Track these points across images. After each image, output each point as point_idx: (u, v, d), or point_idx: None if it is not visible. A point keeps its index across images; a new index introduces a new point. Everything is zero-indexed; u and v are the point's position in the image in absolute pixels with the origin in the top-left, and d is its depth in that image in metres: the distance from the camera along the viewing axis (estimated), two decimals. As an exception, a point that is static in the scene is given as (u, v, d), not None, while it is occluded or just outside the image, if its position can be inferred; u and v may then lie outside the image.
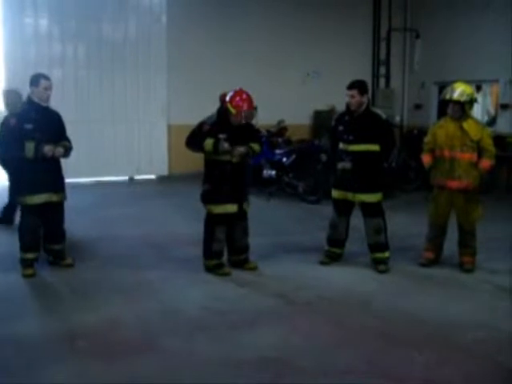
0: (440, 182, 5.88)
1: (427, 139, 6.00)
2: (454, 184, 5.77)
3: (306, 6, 12.42)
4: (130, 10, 11.53)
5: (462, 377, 3.81)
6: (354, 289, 5.40)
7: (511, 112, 11.06)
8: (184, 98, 11.65)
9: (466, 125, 5.68)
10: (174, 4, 11.60)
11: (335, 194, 5.95)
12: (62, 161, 5.84)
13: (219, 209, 5.61)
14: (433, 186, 6.01)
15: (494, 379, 3.87)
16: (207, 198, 5.67)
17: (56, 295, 5.24)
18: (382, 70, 13.60)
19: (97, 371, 3.81)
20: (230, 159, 5.54)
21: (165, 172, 12.02)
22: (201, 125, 5.59)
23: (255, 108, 7.41)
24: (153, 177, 12.04)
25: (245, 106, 5.52)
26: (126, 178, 11.80)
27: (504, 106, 11.21)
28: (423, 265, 6.00)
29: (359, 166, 5.71)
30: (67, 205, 5.95)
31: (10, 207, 7.39)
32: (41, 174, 5.51)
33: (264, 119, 9.78)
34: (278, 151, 9.88)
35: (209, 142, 5.46)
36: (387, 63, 13.54)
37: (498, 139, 8.80)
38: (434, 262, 6.03)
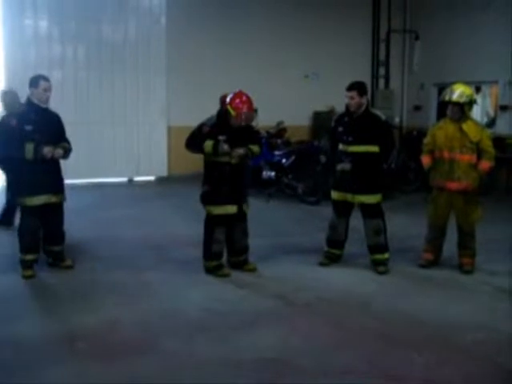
0: (439, 183, 5.88)
1: (426, 140, 6.00)
2: (453, 185, 5.77)
3: (305, 6, 12.43)
4: (130, 11, 11.55)
5: (462, 378, 3.81)
6: (353, 290, 5.40)
7: (511, 113, 11.07)
8: (183, 99, 11.66)
9: (465, 126, 5.68)
10: (173, 5, 11.61)
11: (335, 195, 5.95)
12: (62, 162, 5.84)
13: (219, 210, 5.61)
14: (432, 187, 6.01)
15: (493, 380, 3.87)
16: (207, 199, 5.67)
17: (55, 296, 5.23)
18: (382, 71, 13.62)
19: (96, 372, 3.81)
20: (229, 161, 5.55)
21: (164, 173, 12.02)
22: (200, 126, 5.60)
23: (255, 110, 7.42)
24: (152, 178, 12.04)
25: (245, 108, 5.53)
26: (126, 179, 11.81)
27: (503, 108, 11.22)
28: (423, 266, 6.00)
29: (359, 167, 5.71)
30: (67, 206, 5.95)
31: (9, 208, 7.39)
32: (40, 175, 5.51)
33: (263, 120, 9.79)
34: (277, 152, 9.89)
35: (208, 144, 5.47)
36: (387, 64, 13.56)
37: (498, 140, 8.79)
38: (434, 263, 6.03)
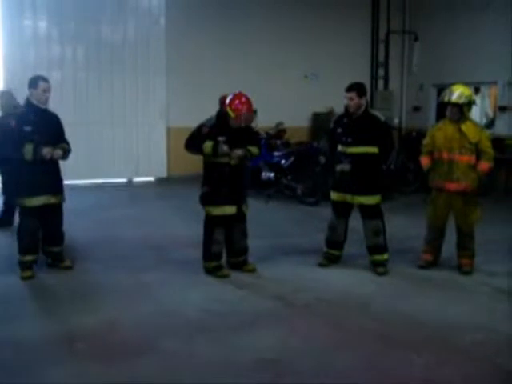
0: (438, 184, 5.88)
1: (426, 141, 6.01)
2: (452, 186, 5.77)
3: (304, 6, 12.43)
4: (129, 12, 11.54)
5: (461, 379, 3.82)
6: (352, 291, 5.40)
7: (510, 114, 11.07)
8: (183, 100, 11.66)
9: (464, 127, 5.69)
10: (172, 6, 11.61)
11: (334, 196, 5.95)
12: (61, 163, 5.85)
13: (218, 211, 5.62)
14: (431, 188, 6.02)
15: (492, 381, 3.87)
16: (206, 200, 5.67)
17: (55, 297, 5.23)
18: (381, 72, 13.63)
19: (96, 372, 3.81)
20: (228, 161, 5.55)
21: (164, 174, 12.01)
22: (200, 127, 5.60)
23: (255, 111, 7.42)
24: (151, 179, 12.03)
25: (244, 109, 5.54)
26: (125, 180, 11.80)
27: (502, 108, 11.22)
28: (422, 267, 6.00)
29: (358, 168, 5.72)
30: (66, 207, 5.95)
31: (7, 209, 7.38)
32: (39, 176, 5.51)
33: (263, 121, 9.79)
34: (276, 153, 9.89)
35: (208, 145, 5.47)
36: (386, 65, 13.57)
37: (497, 141, 8.82)
38: (433, 264, 6.04)
